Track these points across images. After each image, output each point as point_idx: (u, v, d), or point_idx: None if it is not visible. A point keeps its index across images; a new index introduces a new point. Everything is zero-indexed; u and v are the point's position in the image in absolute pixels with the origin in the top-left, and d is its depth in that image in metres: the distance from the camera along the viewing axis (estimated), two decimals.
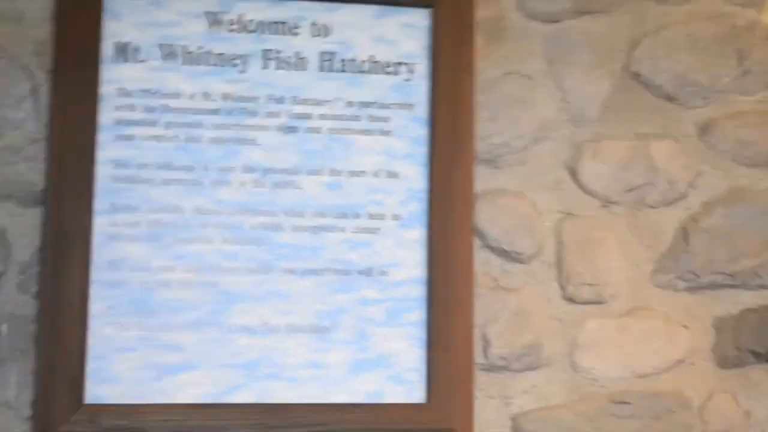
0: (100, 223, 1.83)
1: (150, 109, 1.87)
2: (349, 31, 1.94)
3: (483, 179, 1.99)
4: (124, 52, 1.88)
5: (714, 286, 2.06)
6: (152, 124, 1.87)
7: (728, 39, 2.10)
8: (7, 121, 1.85)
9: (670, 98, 2.08)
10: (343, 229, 1.90)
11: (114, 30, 1.87)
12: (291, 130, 1.91)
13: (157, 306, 1.83)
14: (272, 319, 1.86)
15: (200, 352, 1.83)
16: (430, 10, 1.96)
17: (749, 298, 2.08)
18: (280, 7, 1.93)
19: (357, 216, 1.91)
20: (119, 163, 1.85)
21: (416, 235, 1.92)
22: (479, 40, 2.00)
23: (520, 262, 2.00)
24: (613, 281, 2.02)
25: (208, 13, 1.91)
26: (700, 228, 2.05)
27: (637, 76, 2.07)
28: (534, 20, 2.06)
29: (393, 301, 1.90)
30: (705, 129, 2.09)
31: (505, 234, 2.00)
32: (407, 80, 1.96)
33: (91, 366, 1.80)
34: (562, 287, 2.01)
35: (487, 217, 1.99)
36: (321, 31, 1.94)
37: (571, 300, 2.01)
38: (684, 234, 2.05)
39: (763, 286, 2.08)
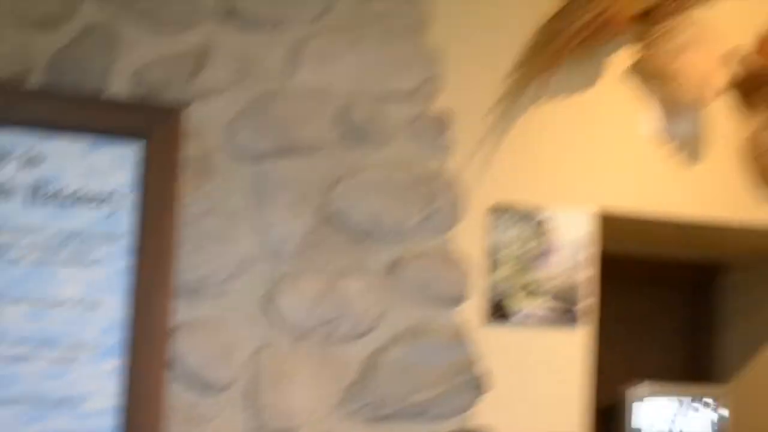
0: None
1: None
2: (60, 161, 2.19)
3: (184, 310, 2.29)
4: None
5: (397, 416, 2.45)
6: None
7: (416, 184, 2.53)
8: None
9: (362, 237, 2.47)
10: (40, 359, 2.13)
11: None
12: None
13: None
14: None
15: None
16: (141, 144, 2.26)
17: (429, 428, 2.48)
18: None
19: (55, 346, 2.15)
20: None
21: (113, 365, 2.18)
22: (187, 176, 2.31)
23: (215, 392, 2.31)
24: (302, 412, 2.36)
25: None
26: (385, 361, 2.45)
27: (333, 216, 2.45)
28: (240, 159, 2.40)
29: None
30: (393, 267, 2.49)
31: (201, 364, 2.29)
32: (115, 212, 2.23)
33: None
34: (254, 417, 2.33)
35: (185, 347, 2.28)
36: (32, 160, 2.18)
37: (261, 430, 2.34)
38: (370, 366, 2.44)
39: (441, 416, 2.49)
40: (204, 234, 2.33)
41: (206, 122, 2.36)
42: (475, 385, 2.53)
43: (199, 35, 2.37)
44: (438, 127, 2.56)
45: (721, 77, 2.95)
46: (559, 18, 2.78)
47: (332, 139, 2.46)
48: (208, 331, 2.31)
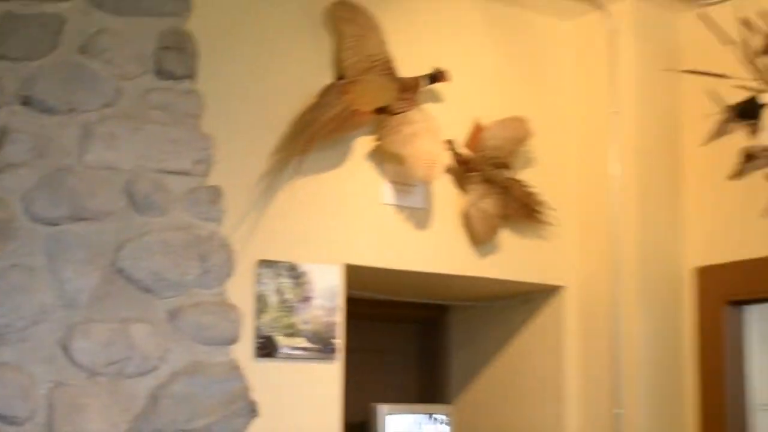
0: None
1: None
2: None
3: None
4: None
5: None
6: None
7: (194, 245, 2.49)
8: None
9: (147, 290, 2.41)
10: None
11: None
12: None
13: None
14: None
15: None
16: None
17: None
18: None
19: None
20: None
21: None
22: None
23: (16, 425, 2.19)
24: None
25: None
26: (167, 393, 2.38)
27: (121, 272, 2.39)
28: (38, 223, 2.31)
29: None
30: (174, 315, 2.44)
31: (3, 401, 2.18)
32: None
33: None
34: None
35: None
36: None
37: None
38: (154, 398, 2.37)
39: None
40: (7, 287, 2.23)
41: (8, 192, 2.27)
42: (246, 412, 2.50)
43: (0, 117, 2.29)
44: (212, 197, 2.55)
45: (442, 161, 3.08)
46: (312, 110, 2.86)
47: (119, 208, 2.41)
48: (10, 372, 2.20)
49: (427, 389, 3.82)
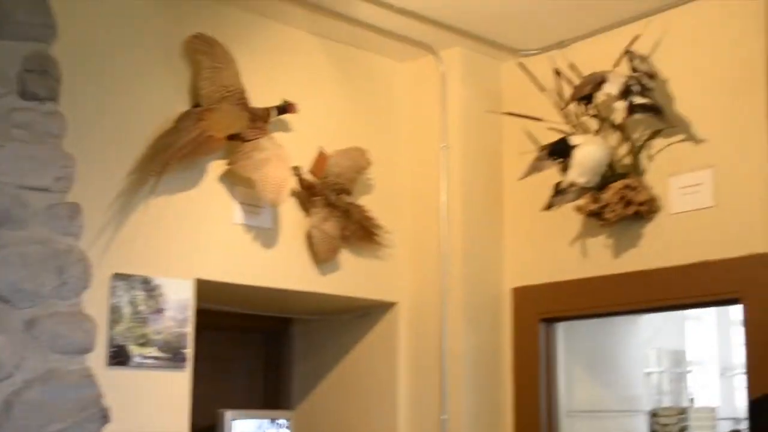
0: None
1: None
2: None
3: None
4: None
5: None
6: None
7: (51, 258, 2.47)
8: None
9: (4, 300, 2.37)
10: None
11: None
12: None
13: None
14: None
15: None
16: None
17: None
18: None
19: None
20: None
21: None
22: None
23: None
24: None
25: None
26: (21, 400, 2.34)
27: None
28: None
29: None
30: (30, 324, 2.40)
31: None
32: None
33: None
34: None
35: None
36: None
37: None
38: (8, 405, 2.33)
39: None
40: None
41: None
42: (98, 418, 2.49)
43: None
44: (71, 213, 2.53)
45: (289, 185, 3.16)
46: (169, 134, 2.89)
47: None
48: None
49: (272, 396, 3.85)
